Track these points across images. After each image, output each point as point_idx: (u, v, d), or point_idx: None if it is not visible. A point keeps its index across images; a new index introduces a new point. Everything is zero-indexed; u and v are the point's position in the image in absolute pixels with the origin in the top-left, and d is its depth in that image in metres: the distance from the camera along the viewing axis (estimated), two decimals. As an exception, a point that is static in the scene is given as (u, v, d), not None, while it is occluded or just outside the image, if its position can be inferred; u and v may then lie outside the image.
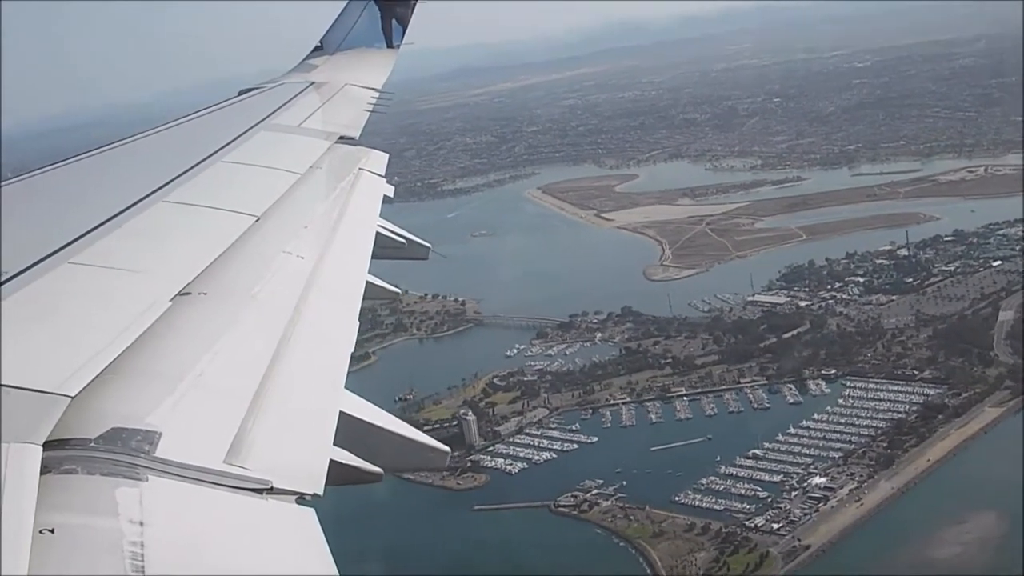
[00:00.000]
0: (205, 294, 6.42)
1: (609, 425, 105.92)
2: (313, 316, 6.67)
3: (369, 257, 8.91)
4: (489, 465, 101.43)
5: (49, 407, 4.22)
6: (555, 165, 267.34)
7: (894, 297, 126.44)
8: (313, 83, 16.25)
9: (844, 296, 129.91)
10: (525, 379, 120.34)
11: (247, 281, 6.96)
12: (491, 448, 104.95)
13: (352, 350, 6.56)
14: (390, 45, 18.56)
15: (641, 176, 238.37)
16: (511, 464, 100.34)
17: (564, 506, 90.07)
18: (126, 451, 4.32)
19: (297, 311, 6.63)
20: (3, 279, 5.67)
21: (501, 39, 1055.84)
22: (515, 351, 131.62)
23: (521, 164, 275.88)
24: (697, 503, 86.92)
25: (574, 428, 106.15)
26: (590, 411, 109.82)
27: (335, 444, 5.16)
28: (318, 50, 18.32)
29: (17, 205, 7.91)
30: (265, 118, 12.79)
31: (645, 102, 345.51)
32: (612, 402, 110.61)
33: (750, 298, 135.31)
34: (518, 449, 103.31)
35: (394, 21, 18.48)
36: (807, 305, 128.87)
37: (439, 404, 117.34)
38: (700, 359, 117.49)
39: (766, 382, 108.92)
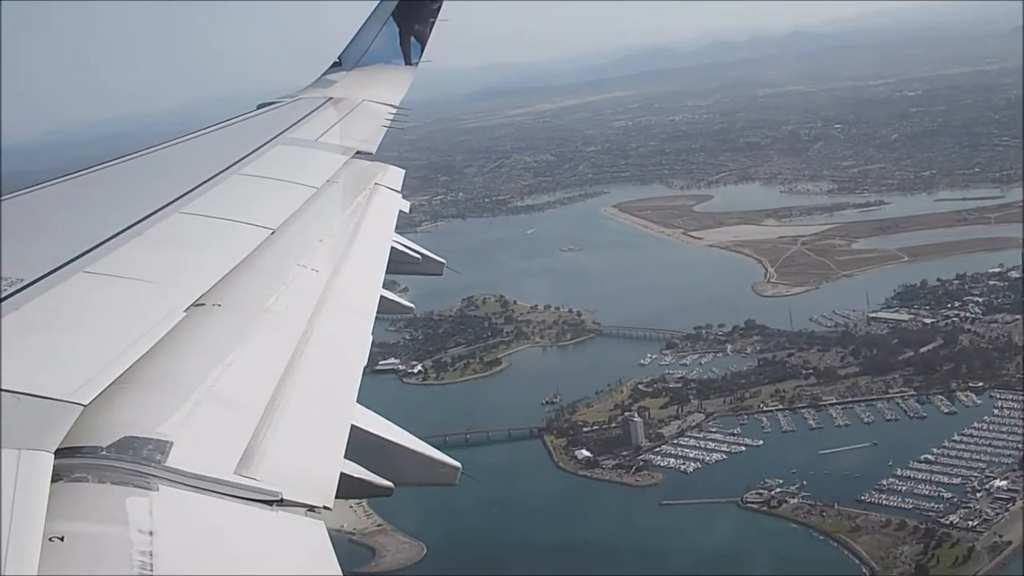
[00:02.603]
0: (219, 305, 6.51)
1: (769, 430, 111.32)
2: (327, 330, 6.80)
3: (383, 272, 9.16)
4: (661, 464, 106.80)
5: (62, 415, 4.25)
6: (622, 185, 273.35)
7: (1018, 316, 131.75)
8: (331, 98, 16.59)
9: (967, 314, 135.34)
10: (669, 386, 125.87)
11: (261, 293, 7.08)
12: (658, 449, 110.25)
13: (365, 363, 6.73)
14: (408, 62, 18.80)
15: (716, 197, 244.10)
16: (684, 464, 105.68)
17: (752, 502, 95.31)
18: (137, 460, 4.35)
19: (311, 324, 6.76)
20: (19, 287, 5.72)
21: (525, 60, 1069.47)
22: (648, 360, 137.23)
23: (587, 183, 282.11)
24: (884, 502, 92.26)
25: (736, 432, 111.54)
26: (745, 417, 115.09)
27: (346, 457, 5.26)
28: (336, 66, 18.63)
29: (35, 214, 7.96)
30: (282, 132, 12.98)
31: (699, 125, 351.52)
32: (765, 409, 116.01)
33: (872, 315, 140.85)
34: (686, 450, 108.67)
35: (412, 38, 18.68)
36: (932, 322, 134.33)
37: (591, 407, 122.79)
38: (841, 370, 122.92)
39: (914, 393, 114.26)
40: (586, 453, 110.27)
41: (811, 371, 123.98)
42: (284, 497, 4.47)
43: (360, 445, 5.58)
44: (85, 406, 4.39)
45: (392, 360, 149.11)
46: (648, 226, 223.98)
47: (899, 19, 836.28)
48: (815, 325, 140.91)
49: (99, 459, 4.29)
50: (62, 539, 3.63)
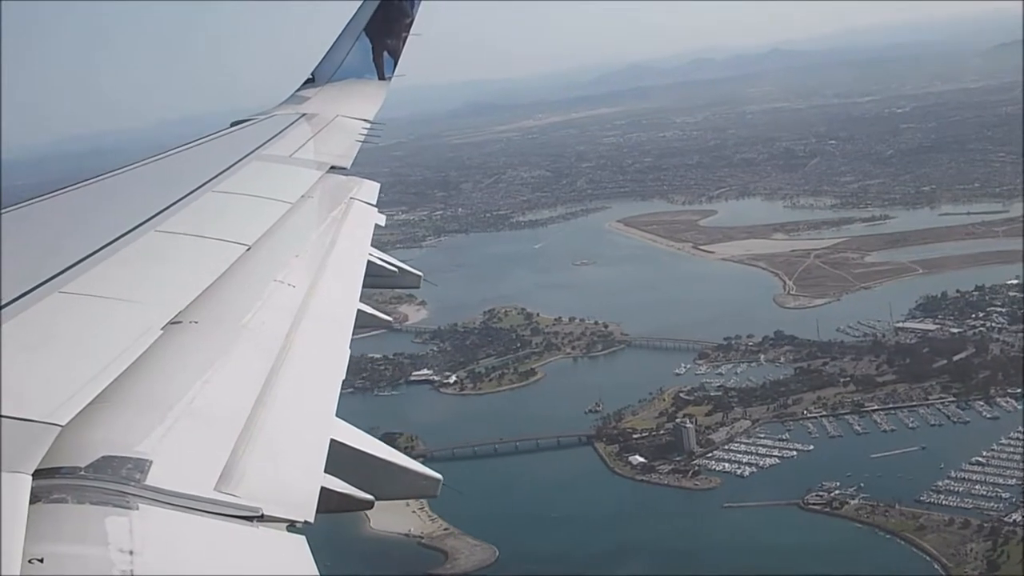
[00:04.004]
0: (196, 323, 6.50)
1: (817, 435, 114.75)
2: (304, 344, 6.82)
3: (360, 285, 9.14)
4: (716, 469, 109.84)
5: (39, 436, 4.25)
6: (622, 200, 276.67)
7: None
8: (304, 115, 16.60)
9: (993, 324, 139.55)
10: (710, 395, 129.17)
11: (238, 310, 7.09)
12: (710, 454, 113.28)
13: (343, 377, 6.73)
14: (382, 77, 18.86)
15: (720, 212, 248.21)
16: (740, 468, 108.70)
17: (814, 504, 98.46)
18: (116, 479, 4.38)
19: (288, 339, 6.79)
20: None
21: (502, 76, 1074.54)
22: (683, 369, 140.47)
23: (586, 198, 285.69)
24: (943, 502, 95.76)
25: (784, 438, 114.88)
26: (790, 423, 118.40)
27: (326, 471, 5.32)
28: (310, 82, 18.65)
29: (10, 234, 7.90)
30: (256, 148, 12.92)
31: (691, 141, 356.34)
32: (809, 415, 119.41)
33: (898, 325, 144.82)
34: (739, 455, 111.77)
35: (385, 53, 18.73)
36: (960, 332, 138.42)
37: (636, 415, 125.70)
38: (879, 378, 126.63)
39: (954, 399, 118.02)
40: (640, 459, 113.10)
41: (849, 379, 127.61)
42: (265, 513, 4.50)
43: (340, 459, 5.61)
44: (63, 427, 4.38)
45: (425, 371, 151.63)
46: (656, 240, 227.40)
47: (874, 38, 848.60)
48: (843, 335, 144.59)
49: (78, 479, 4.31)
50: (42, 560, 3.63)
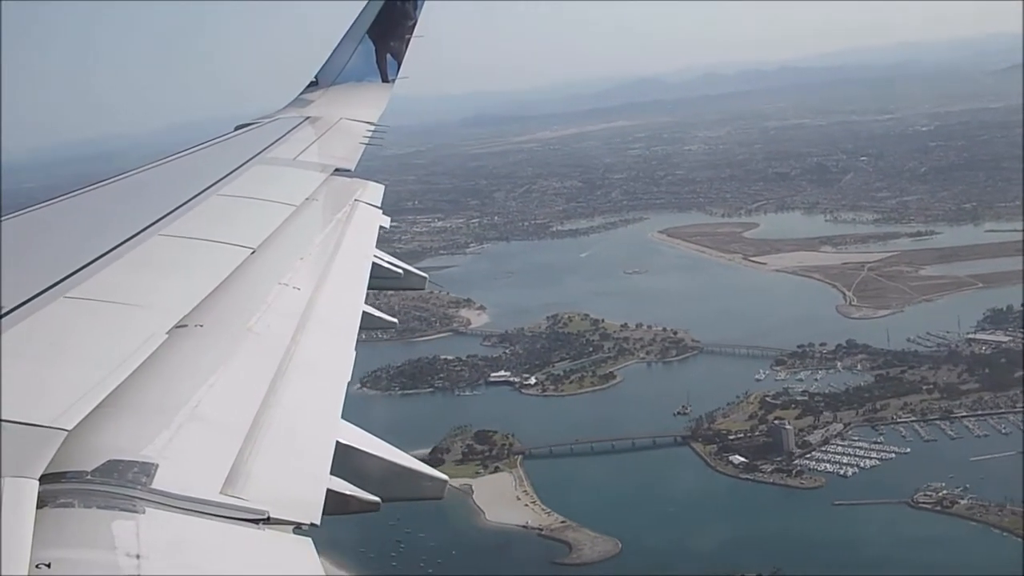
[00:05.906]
0: (201, 326, 6.59)
1: (911, 439, 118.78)
2: (309, 347, 6.91)
3: (365, 287, 9.19)
4: (819, 469, 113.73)
5: (46, 441, 4.27)
6: (659, 211, 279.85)
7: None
8: (308, 118, 16.74)
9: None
10: (796, 399, 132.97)
11: (243, 313, 7.17)
12: (809, 455, 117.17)
13: (348, 380, 6.79)
14: (385, 79, 18.98)
15: (762, 225, 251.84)
16: (842, 468, 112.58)
17: (924, 503, 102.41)
18: (123, 483, 4.40)
19: (294, 342, 6.88)
20: (0, 313, 5.77)
21: (508, 88, 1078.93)
22: (763, 375, 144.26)
23: (623, 209, 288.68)
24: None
25: (879, 440, 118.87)
26: (881, 427, 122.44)
27: (332, 473, 5.35)
28: (313, 85, 18.76)
29: (14, 239, 7.92)
30: (260, 152, 13.03)
31: (719, 155, 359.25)
32: (900, 420, 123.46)
33: (969, 336, 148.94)
34: (838, 456, 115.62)
35: (388, 55, 18.85)
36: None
37: (727, 417, 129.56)
38: (962, 386, 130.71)
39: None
40: (741, 458, 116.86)
41: (932, 386, 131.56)
42: (271, 516, 4.56)
43: (346, 461, 5.68)
44: (69, 431, 4.42)
45: (503, 373, 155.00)
46: (704, 251, 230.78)
47: (877, 57, 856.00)
48: (915, 345, 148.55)
49: (85, 484, 4.34)
50: (49, 565, 3.65)
